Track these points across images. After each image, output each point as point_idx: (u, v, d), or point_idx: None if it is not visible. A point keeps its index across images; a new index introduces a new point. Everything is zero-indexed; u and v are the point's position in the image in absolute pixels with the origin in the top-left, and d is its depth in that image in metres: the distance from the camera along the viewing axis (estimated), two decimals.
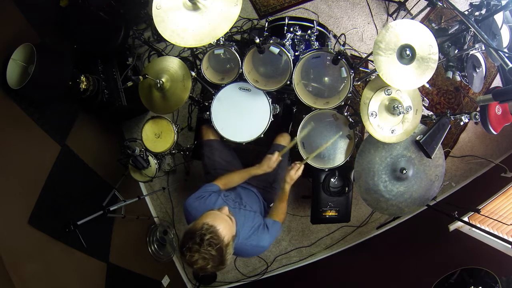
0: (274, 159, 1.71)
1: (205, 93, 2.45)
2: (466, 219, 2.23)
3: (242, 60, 1.82)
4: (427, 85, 1.89)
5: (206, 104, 2.01)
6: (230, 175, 1.72)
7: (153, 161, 2.18)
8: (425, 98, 1.86)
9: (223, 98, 1.93)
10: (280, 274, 2.91)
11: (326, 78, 2.01)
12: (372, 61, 1.99)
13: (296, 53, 1.97)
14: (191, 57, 2.45)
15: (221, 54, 1.89)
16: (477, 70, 2.10)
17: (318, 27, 2.05)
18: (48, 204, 1.76)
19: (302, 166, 1.66)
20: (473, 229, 2.07)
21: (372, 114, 1.71)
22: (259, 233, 1.45)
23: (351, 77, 1.78)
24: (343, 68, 1.81)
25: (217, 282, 2.95)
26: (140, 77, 1.74)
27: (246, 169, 1.76)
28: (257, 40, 1.69)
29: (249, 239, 1.41)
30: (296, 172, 1.63)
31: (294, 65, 1.80)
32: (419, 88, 1.73)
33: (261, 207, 1.78)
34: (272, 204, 1.87)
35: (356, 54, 2.75)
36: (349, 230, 2.85)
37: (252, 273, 2.94)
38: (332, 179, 2.22)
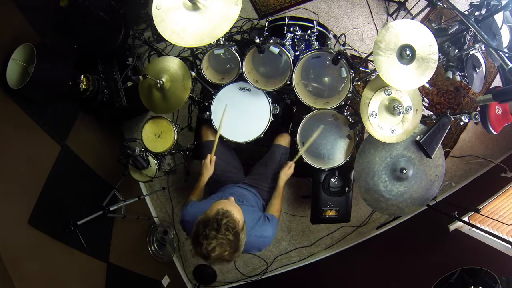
0: (208, 161, 1.75)
1: (205, 93, 2.46)
2: (466, 219, 2.23)
3: (242, 60, 1.82)
4: (427, 85, 1.89)
5: (206, 104, 2.01)
6: (190, 195, 1.73)
7: (153, 161, 2.18)
8: (425, 98, 1.86)
9: (223, 98, 1.93)
10: (280, 274, 2.91)
11: (326, 78, 2.01)
12: (372, 61, 1.99)
13: (296, 53, 1.97)
14: (191, 57, 2.45)
15: (221, 54, 1.89)
16: (477, 70, 2.10)
17: (318, 27, 2.05)
18: (48, 204, 1.76)
19: (293, 164, 1.83)
20: (473, 229, 2.06)
21: (372, 114, 1.71)
22: (261, 224, 1.46)
23: (351, 77, 1.78)
24: (343, 68, 1.81)
25: (217, 282, 2.95)
26: (140, 77, 1.74)
27: (196, 185, 1.76)
28: (257, 40, 1.69)
29: (252, 230, 1.42)
30: (289, 168, 1.81)
31: (294, 65, 1.80)
32: (419, 88, 1.73)
33: (260, 205, 1.78)
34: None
35: (356, 54, 2.75)
36: (349, 230, 2.85)
37: (252, 273, 2.94)
38: (332, 179, 2.23)
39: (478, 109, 2.10)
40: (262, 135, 1.91)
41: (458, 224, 2.29)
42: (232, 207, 1.22)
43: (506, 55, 1.32)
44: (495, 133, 2.10)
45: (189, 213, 1.46)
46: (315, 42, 1.98)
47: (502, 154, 2.81)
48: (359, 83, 2.23)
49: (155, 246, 2.67)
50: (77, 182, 2.10)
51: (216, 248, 1.11)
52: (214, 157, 1.79)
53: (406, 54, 1.53)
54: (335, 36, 2.42)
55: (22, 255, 1.54)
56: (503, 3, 1.84)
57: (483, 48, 1.97)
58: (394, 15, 2.76)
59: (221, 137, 1.92)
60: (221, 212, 1.15)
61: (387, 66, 1.54)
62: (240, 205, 1.52)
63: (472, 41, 2.04)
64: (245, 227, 1.37)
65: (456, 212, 2.04)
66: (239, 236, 1.16)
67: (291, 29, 1.98)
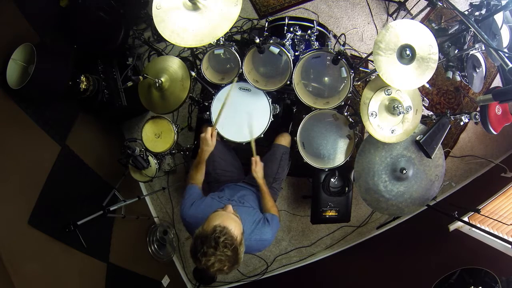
0: (208, 135, 1.64)
1: (205, 93, 2.46)
2: (466, 219, 2.23)
3: (242, 60, 1.82)
4: (427, 85, 1.89)
5: (206, 104, 2.01)
6: (192, 172, 1.69)
7: (153, 161, 2.18)
8: (425, 98, 1.86)
9: (223, 98, 1.93)
10: (280, 274, 2.91)
11: (326, 78, 2.01)
12: (372, 61, 1.99)
13: (296, 53, 1.97)
14: (191, 57, 2.45)
15: (221, 54, 1.89)
16: (477, 70, 2.10)
17: (318, 27, 2.05)
18: (48, 204, 1.76)
19: (258, 157, 1.72)
20: (473, 229, 2.06)
21: (372, 114, 1.71)
22: (260, 226, 1.46)
23: (351, 77, 1.78)
24: (343, 68, 1.81)
25: (217, 282, 2.95)
26: (140, 77, 1.74)
27: (195, 162, 1.70)
28: (257, 40, 1.70)
29: (252, 234, 1.42)
30: (256, 165, 1.70)
31: (294, 65, 1.80)
32: (419, 88, 1.73)
33: (260, 205, 1.78)
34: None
35: (356, 54, 2.75)
36: (349, 230, 2.85)
37: (252, 273, 2.94)
38: (332, 179, 2.22)
39: (478, 109, 2.10)
40: (262, 135, 1.91)
41: (458, 224, 2.29)
42: (229, 222, 1.19)
43: (506, 55, 1.32)
44: (495, 133, 2.10)
45: (189, 215, 1.45)
46: (315, 42, 1.98)
47: (502, 154, 2.81)
48: (359, 83, 2.23)
49: (155, 246, 2.67)
50: (77, 182, 2.10)
51: (215, 264, 1.11)
52: (216, 130, 1.68)
53: (406, 54, 1.53)
54: (335, 36, 2.42)
55: (22, 255, 1.54)
56: (503, 3, 1.84)
57: (483, 48, 1.97)
58: (394, 15, 2.76)
59: (221, 137, 1.92)
60: (219, 229, 1.14)
61: (387, 66, 1.54)
62: (240, 207, 1.52)
63: (472, 41, 2.04)
64: (245, 231, 1.37)
65: (456, 212, 2.04)
66: (237, 250, 1.15)
67: (291, 29, 1.98)
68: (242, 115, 1.93)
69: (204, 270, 1.14)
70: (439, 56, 1.56)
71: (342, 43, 2.09)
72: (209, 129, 1.64)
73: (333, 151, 2.04)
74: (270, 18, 2.20)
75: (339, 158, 2.02)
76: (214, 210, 1.29)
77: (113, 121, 2.74)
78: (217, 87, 1.94)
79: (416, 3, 2.69)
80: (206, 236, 1.13)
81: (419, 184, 1.92)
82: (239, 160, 2.08)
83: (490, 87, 2.76)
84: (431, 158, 1.79)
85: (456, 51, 2.05)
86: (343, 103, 1.85)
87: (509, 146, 2.80)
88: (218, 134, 1.91)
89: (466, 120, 1.76)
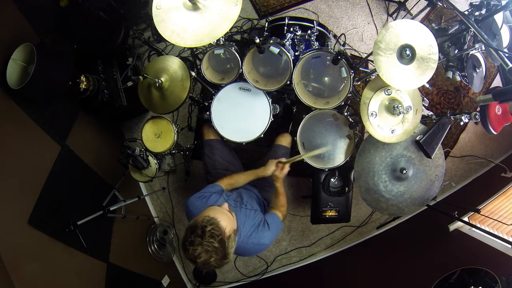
0: (276, 164, 1.71)
1: (205, 93, 2.46)
2: (466, 219, 2.24)
3: (242, 60, 1.82)
4: (427, 85, 1.89)
5: (206, 104, 2.01)
6: (235, 176, 1.73)
7: (153, 161, 2.18)
8: (425, 98, 1.86)
9: (223, 98, 1.93)
10: (280, 274, 2.91)
11: (326, 78, 2.01)
12: (372, 61, 1.99)
13: (296, 53, 1.97)
14: (191, 57, 2.45)
15: (221, 54, 1.89)
16: (477, 70, 2.10)
17: (318, 27, 2.05)
18: (48, 204, 1.76)
19: (287, 166, 1.72)
20: (473, 229, 2.07)
21: (372, 114, 1.71)
22: (259, 230, 1.46)
23: (351, 77, 1.78)
24: (343, 68, 1.81)
25: (217, 282, 2.95)
26: (140, 77, 1.74)
27: (252, 171, 1.76)
28: (257, 40, 1.69)
29: (250, 237, 1.42)
30: (281, 172, 1.70)
31: (294, 65, 1.80)
32: (419, 88, 1.73)
33: (262, 206, 1.78)
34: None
35: (356, 54, 2.75)
36: (349, 230, 2.85)
37: (252, 273, 2.94)
38: (332, 179, 2.22)
39: (478, 109, 2.10)
40: (262, 135, 1.91)
41: (458, 224, 2.29)
42: (220, 215, 1.21)
43: (506, 55, 1.32)
44: (495, 133, 2.10)
45: (194, 205, 1.46)
46: (315, 42, 1.98)
47: (502, 154, 2.81)
48: (359, 83, 2.22)
49: (155, 246, 2.67)
50: (77, 182, 2.10)
51: (202, 254, 1.12)
52: (287, 169, 1.71)
53: (406, 54, 1.53)
54: (335, 36, 2.42)
55: (22, 255, 1.54)
56: (503, 3, 1.84)
57: (483, 48, 1.97)
58: (394, 15, 2.76)
59: (221, 137, 1.92)
60: (207, 219, 1.16)
61: (387, 66, 1.54)
62: (243, 209, 1.53)
63: (472, 41, 2.04)
64: (243, 234, 1.38)
65: (456, 212, 2.04)
66: (225, 243, 1.15)
67: (291, 29, 1.98)
68: (242, 115, 1.93)
69: (191, 261, 1.14)
70: (439, 56, 1.56)
71: (342, 43, 2.09)
72: (287, 166, 1.71)
73: (333, 151, 2.04)
74: (270, 18, 2.20)
75: (339, 158, 2.02)
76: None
77: (113, 121, 2.74)
78: (217, 87, 1.94)
79: (416, 3, 2.69)
80: (195, 226, 1.15)
81: (419, 184, 1.92)
82: (239, 160, 2.08)
83: (490, 87, 2.76)
84: (431, 158, 1.79)
85: (456, 51, 2.05)
86: (343, 103, 1.85)
87: (509, 146, 2.80)
88: (218, 134, 1.91)
89: (466, 120, 1.76)
